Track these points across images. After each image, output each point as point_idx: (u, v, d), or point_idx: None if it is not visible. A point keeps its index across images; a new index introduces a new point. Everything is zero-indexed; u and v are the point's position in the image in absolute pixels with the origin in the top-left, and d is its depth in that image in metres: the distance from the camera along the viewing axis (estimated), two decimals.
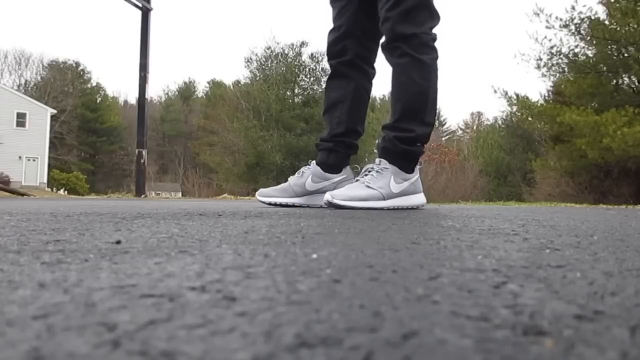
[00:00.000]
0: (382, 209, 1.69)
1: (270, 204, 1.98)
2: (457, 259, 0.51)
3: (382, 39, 1.86)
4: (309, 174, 2.00)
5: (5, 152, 25.00)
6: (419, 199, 1.86)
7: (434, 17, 1.81)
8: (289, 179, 2.04)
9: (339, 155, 2.01)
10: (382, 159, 1.80)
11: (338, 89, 2.02)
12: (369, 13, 1.90)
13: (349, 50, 1.96)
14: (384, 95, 33.29)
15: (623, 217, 1.51)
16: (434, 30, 1.83)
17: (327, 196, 1.71)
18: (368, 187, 1.73)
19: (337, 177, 1.99)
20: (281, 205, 1.95)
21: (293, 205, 1.94)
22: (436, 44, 1.83)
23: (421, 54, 1.77)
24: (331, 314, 0.28)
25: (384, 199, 1.73)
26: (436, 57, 1.82)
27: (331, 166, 2.00)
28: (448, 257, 0.52)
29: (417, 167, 1.85)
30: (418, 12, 1.77)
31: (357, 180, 1.81)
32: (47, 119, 27.50)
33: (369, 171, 1.80)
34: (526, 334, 0.25)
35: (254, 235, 0.73)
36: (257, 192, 2.08)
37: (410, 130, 1.79)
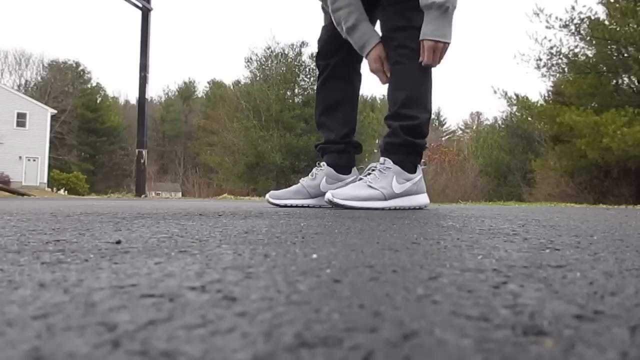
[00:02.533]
0: (383, 209, 1.69)
1: (285, 206, 1.94)
2: (457, 259, 0.51)
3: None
4: (322, 176, 2.00)
5: (5, 152, 25.01)
6: (422, 199, 1.84)
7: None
8: (300, 180, 2.04)
9: (350, 156, 2.04)
10: (386, 159, 1.79)
11: (338, 90, 2.03)
12: (370, 13, 1.89)
13: (344, 47, 1.93)
14: (383, 95, 33.30)
15: (623, 217, 1.51)
16: None
17: (328, 195, 1.70)
18: (370, 186, 1.73)
19: (349, 178, 2.00)
20: (296, 206, 1.93)
21: (308, 206, 1.93)
22: None
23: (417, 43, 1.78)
24: (331, 314, 0.28)
25: (385, 199, 1.72)
26: None
27: (343, 167, 2.02)
28: (448, 257, 0.52)
29: (421, 167, 1.84)
30: (417, 10, 1.75)
31: (360, 178, 1.81)
32: (47, 119, 27.51)
33: (372, 170, 1.79)
34: (526, 334, 0.25)
35: (254, 235, 0.73)
36: (267, 195, 2.05)
37: (414, 117, 1.78)
